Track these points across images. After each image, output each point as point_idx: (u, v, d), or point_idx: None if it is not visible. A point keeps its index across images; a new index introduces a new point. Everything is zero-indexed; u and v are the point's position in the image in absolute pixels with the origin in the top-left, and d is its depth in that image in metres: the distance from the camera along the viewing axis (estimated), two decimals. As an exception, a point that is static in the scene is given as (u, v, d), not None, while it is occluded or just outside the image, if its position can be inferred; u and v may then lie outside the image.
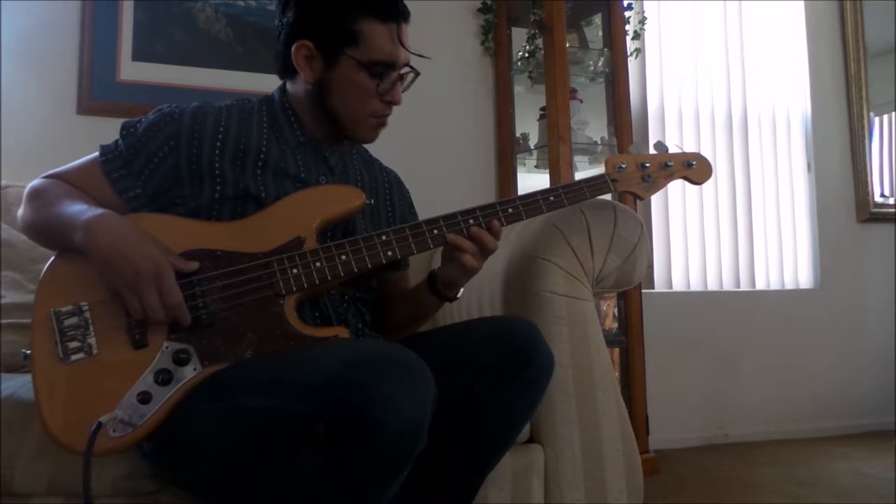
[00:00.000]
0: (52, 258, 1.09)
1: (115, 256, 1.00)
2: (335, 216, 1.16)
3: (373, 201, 1.29)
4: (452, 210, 1.19)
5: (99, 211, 1.06)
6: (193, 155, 1.15)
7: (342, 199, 1.17)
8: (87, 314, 1.02)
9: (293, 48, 1.17)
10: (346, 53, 1.15)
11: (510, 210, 1.19)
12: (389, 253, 1.13)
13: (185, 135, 1.16)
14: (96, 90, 2.18)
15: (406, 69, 1.20)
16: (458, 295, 1.25)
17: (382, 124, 1.24)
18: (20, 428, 1.09)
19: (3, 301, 1.64)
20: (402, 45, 1.17)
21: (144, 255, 1.00)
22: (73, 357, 1.00)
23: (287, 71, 1.23)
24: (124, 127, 1.18)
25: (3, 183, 1.81)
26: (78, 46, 2.18)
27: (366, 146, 1.38)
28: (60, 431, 0.97)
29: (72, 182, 1.15)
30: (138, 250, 1.01)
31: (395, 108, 1.22)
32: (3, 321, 1.60)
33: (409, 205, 1.40)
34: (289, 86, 1.26)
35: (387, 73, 1.17)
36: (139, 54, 2.24)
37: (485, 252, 1.17)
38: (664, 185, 1.31)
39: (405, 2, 1.20)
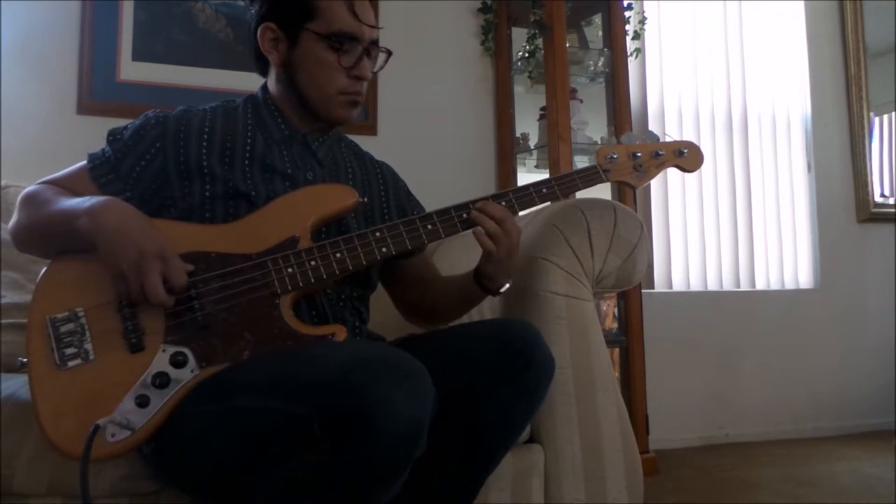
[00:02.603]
0: (46, 266, 1.08)
1: (121, 237, 1.00)
2: (329, 215, 1.16)
3: (366, 199, 1.29)
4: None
5: (102, 197, 1.07)
6: (181, 155, 1.16)
7: (335, 198, 1.17)
8: (83, 320, 1.02)
9: (258, 33, 1.21)
10: (306, 28, 1.19)
11: (503, 203, 1.19)
12: (384, 249, 1.13)
13: (170, 136, 1.17)
14: (96, 90, 2.19)
15: (375, 48, 1.23)
16: (502, 290, 1.22)
17: (354, 102, 1.24)
18: (20, 428, 1.09)
19: (3, 301, 1.64)
20: (359, 18, 1.19)
21: (149, 237, 1.01)
22: (71, 363, 0.99)
23: (260, 61, 1.26)
24: (111, 133, 1.20)
25: (3, 183, 1.81)
26: (78, 46, 2.19)
27: (363, 147, 1.39)
28: (59, 438, 0.96)
29: (63, 187, 1.16)
30: (143, 233, 1.02)
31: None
32: (3, 321, 1.60)
33: (406, 193, 1.40)
34: (269, 82, 1.28)
35: (348, 45, 1.19)
36: (139, 54, 2.24)
37: (493, 233, 1.14)
38: (656, 174, 1.31)
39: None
